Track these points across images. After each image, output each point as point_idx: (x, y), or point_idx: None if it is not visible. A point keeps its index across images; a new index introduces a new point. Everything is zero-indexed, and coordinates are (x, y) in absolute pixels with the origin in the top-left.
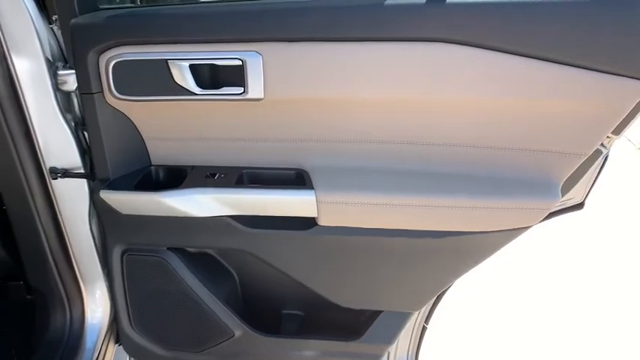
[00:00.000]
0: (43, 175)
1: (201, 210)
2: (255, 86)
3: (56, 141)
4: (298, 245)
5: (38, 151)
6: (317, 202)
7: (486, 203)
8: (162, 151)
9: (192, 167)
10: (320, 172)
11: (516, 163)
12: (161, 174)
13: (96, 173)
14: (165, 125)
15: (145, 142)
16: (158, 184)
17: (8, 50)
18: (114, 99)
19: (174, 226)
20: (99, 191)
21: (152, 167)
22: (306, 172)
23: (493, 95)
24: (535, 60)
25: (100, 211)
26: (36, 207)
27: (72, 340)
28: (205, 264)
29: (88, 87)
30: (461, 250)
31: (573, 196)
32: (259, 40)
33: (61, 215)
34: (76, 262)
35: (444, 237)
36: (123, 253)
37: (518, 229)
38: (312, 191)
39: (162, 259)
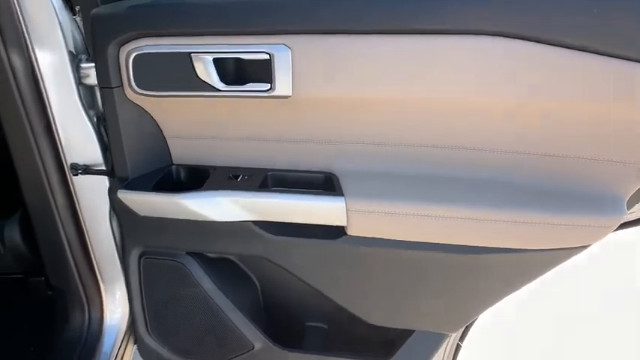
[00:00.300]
0: (64, 171)
1: (222, 214)
2: (283, 82)
3: (78, 136)
4: (325, 255)
5: (59, 146)
6: (347, 209)
7: (540, 218)
8: (184, 150)
9: (215, 168)
10: (351, 177)
11: (577, 173)
12: (182, 174)
13: (115, 171)
14: (188, 123)
15: (167, 140)
16: (178, 185)
17: (31, 42)
18: (134, 94)
19: (194, 229)
20: (116, 191)
21: (173, 167)
22: (335, 176)
23: (555, 97)
24: (608, 58)
25: (117, 211)
26: (56, 203)
27: (90, 340)
28: (226, 270)
29: (107, 81)
30: (509, 269)
31: (635, 210)
32: (288, 32)
33: (81, 212)
34: (96, 261)
35: (490, 254)
36: (140, 256)
37: (576, 247)
38: (342, 198)
39: (180, 263)
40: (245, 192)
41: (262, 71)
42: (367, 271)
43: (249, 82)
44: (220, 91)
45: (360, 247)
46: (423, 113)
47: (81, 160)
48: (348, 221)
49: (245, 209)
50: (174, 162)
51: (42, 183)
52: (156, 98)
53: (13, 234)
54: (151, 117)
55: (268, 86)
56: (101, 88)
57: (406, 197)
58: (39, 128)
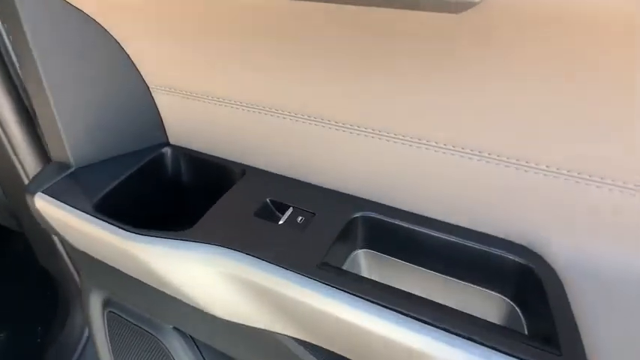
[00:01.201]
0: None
1: (229, 311)
2: None
3: None
4: None
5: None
6: None
7: None
8: (183, 117)
9: (244, 171)
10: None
11: None
12: (184, 171)
13: (49, 150)
14: (183, 60)
15: (151, 91)
16: (166, 197)
17: None
18: None
19: (178, 302)
20: (33, 194)
21: (166, 151)
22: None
23: None
24: None
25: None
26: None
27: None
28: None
29: None
30: None
31: None
32: None
33: None
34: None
35: None
36: (104, 306)
37: None
38: None
39: (159, 340)
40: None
41: None
42: None
43: None
44: None
45: None
46: None
47: None
48: None
49: (287, 317)
50: (171, 140)
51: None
52: None
53: None
54: (115, 41)
55: None
56: None
57: None
58: None
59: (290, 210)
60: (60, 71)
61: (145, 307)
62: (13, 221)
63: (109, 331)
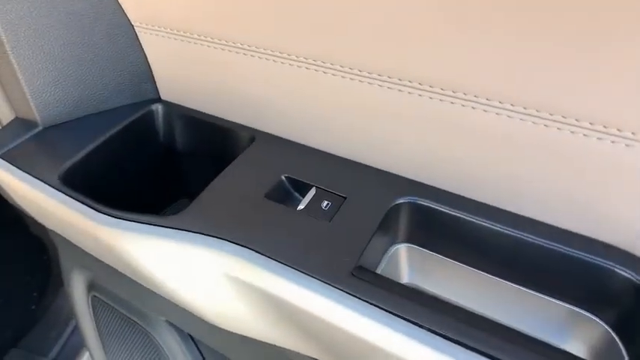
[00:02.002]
0: None
1: (229, 320)
2: None
3: None
4: None
5: None
6: None
7: None
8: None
9: (253, 138)
10: None
11: None
12: (179, 136)
13: (12, 104)
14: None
15: (136, 30)
16: (160, 173)
17: None
18: None
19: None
20: None
21: (156, 107)
22: None
23: None
24: None
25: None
26: None
27: None
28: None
29: None
30: None
31: None
32: None
33: None
34: None
35: None
36: (88, 290)
37: None
38: None
39: (149, 333)
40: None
41: None
42: None
43: None
44: None
45: None
46: None
47: None
48: None
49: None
50: (162, 96)
51: None
52: None
53: None
54: None
55: None
56: None
57: None
58: None
59: (312, 191)
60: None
61: (132, 295)
62: None
63: (94, 315)
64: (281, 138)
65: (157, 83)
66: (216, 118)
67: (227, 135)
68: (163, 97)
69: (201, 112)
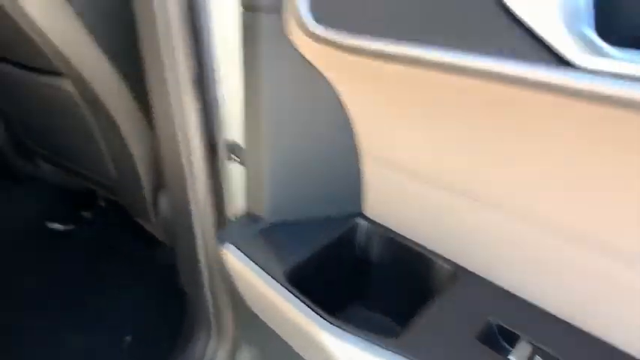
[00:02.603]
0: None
1: None
2: None
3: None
4: None
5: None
6: None
7: None
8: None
9: (455, 273)
10: None
11: None
12: (377, 252)
13: (249, 205)
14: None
15: (362, 157)
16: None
17: None
18: (302, 33)
19: None
20: (222, 243)
21: (360, 222)
22: None
23: None
24: None
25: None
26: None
27: None
28: None
29: None
30: None
31: None
32: None
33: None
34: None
35: None
36: None
37: None
38: None
39: None
40: None
41: None
42: None
43: None
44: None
45: None
46: None
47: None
48: None
49: None
50: (366, 213)
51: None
52: (348, 53)
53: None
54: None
55: None
56: (245, 11)
57: None
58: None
59: (524, 345)
60: (282, 115)
61: None
62: (167, 237)
63: None
64: (485, 279)
65: (365, 200)
66: (417, 243)
67: (426, 263)
68: (367, 213)
69: (401, 235)
